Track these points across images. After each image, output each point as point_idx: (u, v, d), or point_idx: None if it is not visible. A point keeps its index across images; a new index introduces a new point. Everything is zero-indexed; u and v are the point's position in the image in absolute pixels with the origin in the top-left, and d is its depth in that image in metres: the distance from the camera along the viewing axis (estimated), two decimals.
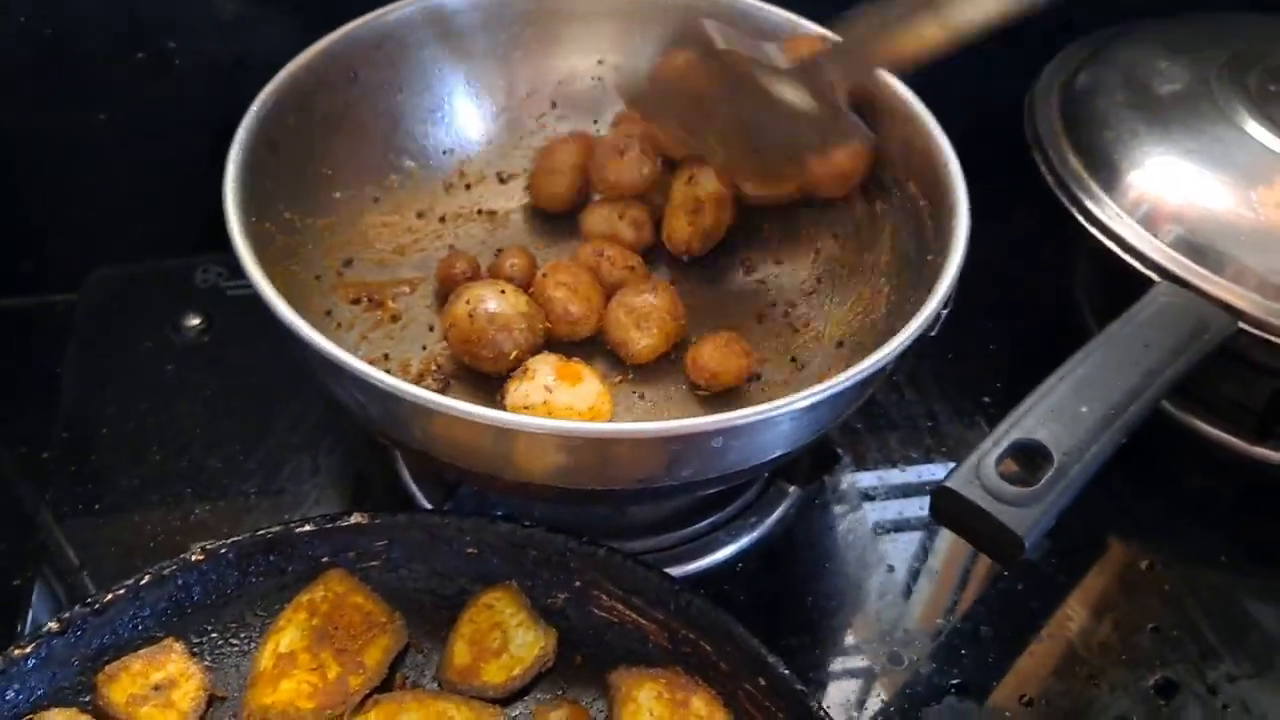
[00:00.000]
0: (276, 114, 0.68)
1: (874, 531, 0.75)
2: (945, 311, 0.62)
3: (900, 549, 0.74)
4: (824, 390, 0.55)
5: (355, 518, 0.61)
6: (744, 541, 0.73)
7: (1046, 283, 0.91)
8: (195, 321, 0.85)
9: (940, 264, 0.64)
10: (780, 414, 0.54)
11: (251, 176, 0.65)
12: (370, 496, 0.75)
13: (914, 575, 0.73)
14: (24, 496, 0.75)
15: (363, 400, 0.56)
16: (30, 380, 0.84)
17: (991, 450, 0.58)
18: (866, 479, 0.78)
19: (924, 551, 0.74)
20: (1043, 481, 0.57)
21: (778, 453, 0.60)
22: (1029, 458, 0.59)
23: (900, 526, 0.76)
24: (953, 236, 0.64)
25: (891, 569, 0.73)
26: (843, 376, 0.56)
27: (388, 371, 0.55)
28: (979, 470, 0.57)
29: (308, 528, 0.61)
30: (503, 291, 0.66)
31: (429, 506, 0.71)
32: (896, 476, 0.79)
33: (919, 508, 0.76)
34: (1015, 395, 0.79)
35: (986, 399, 0.83)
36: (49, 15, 0.81)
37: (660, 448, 0.54)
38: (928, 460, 0.79)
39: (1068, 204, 0.79)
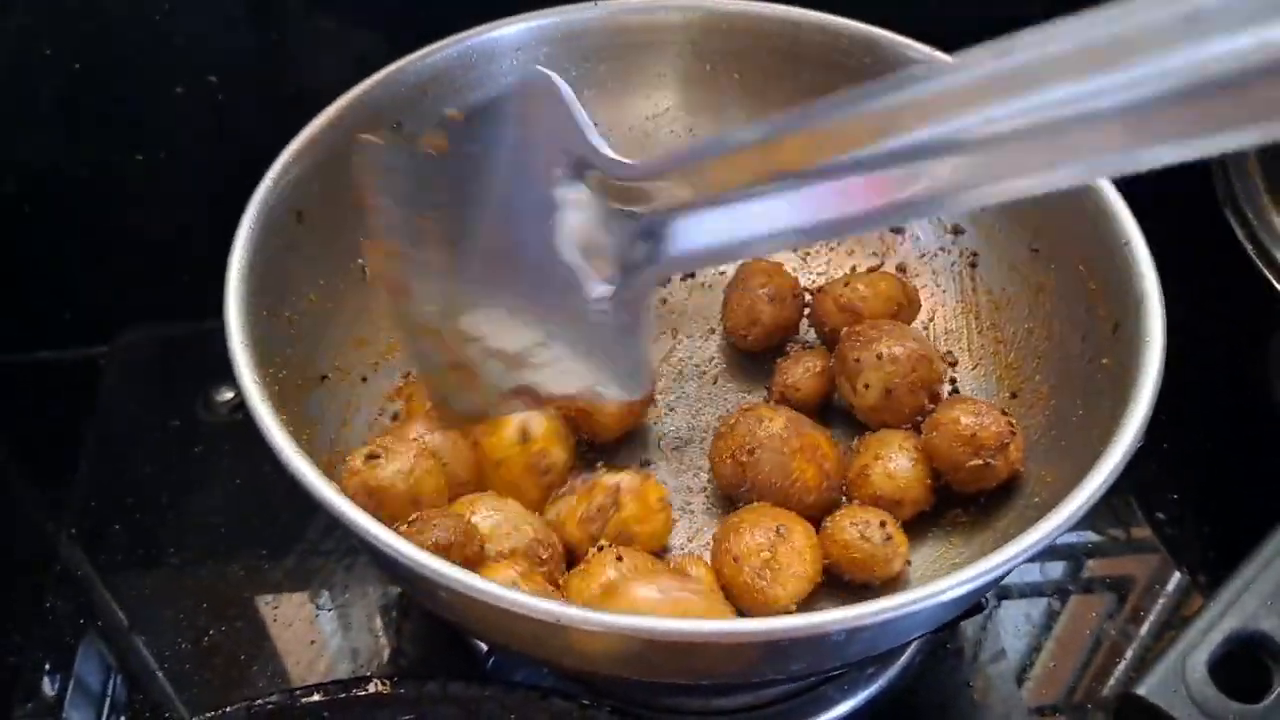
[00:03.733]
0: (300, 181, 0.57)
1: (1019, 686, 0.60)
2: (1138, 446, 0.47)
3: None
4: (987, 572, 0.42)
5: (374, 686, 0.50)
6: (858, 699, 0.59)
7: (1234, 370, 0.76)
8: (229, 396, 0.75)
9: (1124, 381, 0.50)
10: (927, 605, 0.41)
11: (270, 259, 0.55)
12: (408, 626, 0.63)
13: None
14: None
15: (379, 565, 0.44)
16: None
17: (1201, 644, 0.44)
18: (1009, 617, 0.63)
19: None
20: (1275, 695, 0.42)
21: (915, 635, 0.46)
22: (1252, 656, 0.44)
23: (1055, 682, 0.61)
24: (1142, 349, 0.50)
25: None
26: (1012, 551, 0.42)
27: None
28: (1185, 674, 0.43)
29: (316, 698, 0.49)
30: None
31: (484, 648, 0.59)
32: (1049, 621, 0.64)
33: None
34: (1194, 512, 0.68)
35: (1161, 514, 0.68)
36: (78, 47, 0.74)
37: (761, 647, 0.41)
38: (1089, 602, 0.64)
39: (1266, 271, 0.65)
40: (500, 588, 0.40)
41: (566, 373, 0.45)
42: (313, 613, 0.64)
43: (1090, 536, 0.67)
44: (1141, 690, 0.43)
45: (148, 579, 0.66)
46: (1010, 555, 0.42)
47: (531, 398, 0.47)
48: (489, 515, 0.53)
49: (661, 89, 0.70)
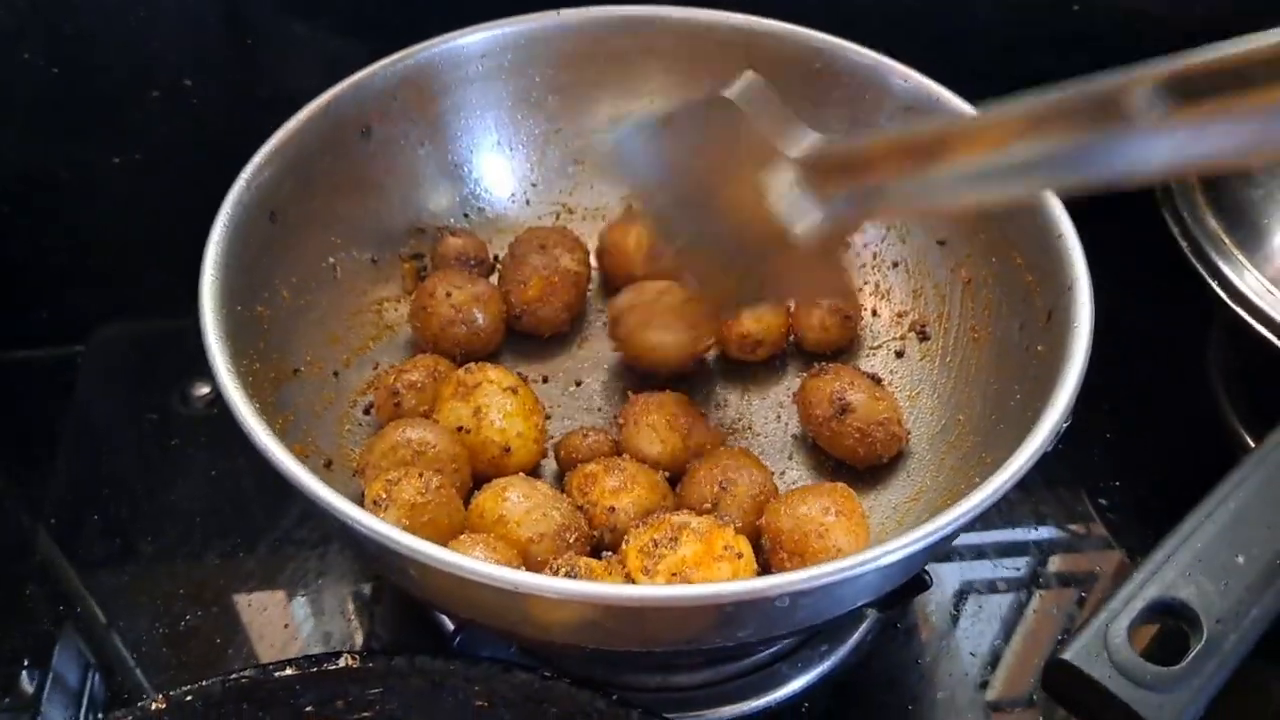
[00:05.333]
0: (273, 182, 0.59)
1: (969, 665, 0.63)
2: (1065, 425, 0.50)
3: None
4: (922, 538, 0.44)
5: (344, 660, 0.52)
6: (811, 675, 0.61)
7: (1173, 362, 0.78)
8: (204, 391, 0.76)
9: (1054, 365, 0.53)
10: (866, 569, 0.43)
11: (243, 257, 0.57)
12: (379, 610, 0.65)
13: None
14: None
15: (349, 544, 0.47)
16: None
17: (1123, 613, 0.47)
18: (961, 601, 0.66)
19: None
20: (1190, 658, 0.45)
21: (860, 603, 0.49)
22: (1171, 623, 0.47)
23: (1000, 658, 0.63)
24: (1070, 334, 0.53)
25: (996, 712, 0.61)
26: (946, 519, 0.45)
27: None
28: (1107, 639, 0.46)
29: (288, 672, 0.52)
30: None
31: (450, 627, 0.61)
32: (995, 601, 0.66)
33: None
34: (1135, 497, 0.70)
35: (1103, 500, 0.71)
36: (55, 51, 0.76)
37: (709, 612, 0.44)
38: (1034, 583, 0.67)
39: (1202, 271, 0.69)
40: (463, 558, 0.43)
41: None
42: (286, 600, 0.66)
43: (1032, 527, 0.70)
44: (1067, 655, 0.46)
45: (124, 570, 0.67)
46: (940, 524, 0.44)
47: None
48: (520, 501, 0.55)
49: (621, 94, 0.72)
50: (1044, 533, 0.70)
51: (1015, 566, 0.68)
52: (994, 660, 0.63)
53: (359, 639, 0.64)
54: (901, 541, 0.44)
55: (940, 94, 0.64)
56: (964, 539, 0.68)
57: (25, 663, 0.63)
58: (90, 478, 0.72)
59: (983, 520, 0.51)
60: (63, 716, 0.61)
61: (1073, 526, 0.70)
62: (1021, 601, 0.66)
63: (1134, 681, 0.44)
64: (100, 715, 0.61)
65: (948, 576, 0.67)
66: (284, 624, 0.65)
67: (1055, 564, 0.68)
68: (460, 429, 0.59)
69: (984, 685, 0.62)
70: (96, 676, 0.63)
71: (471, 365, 0.62)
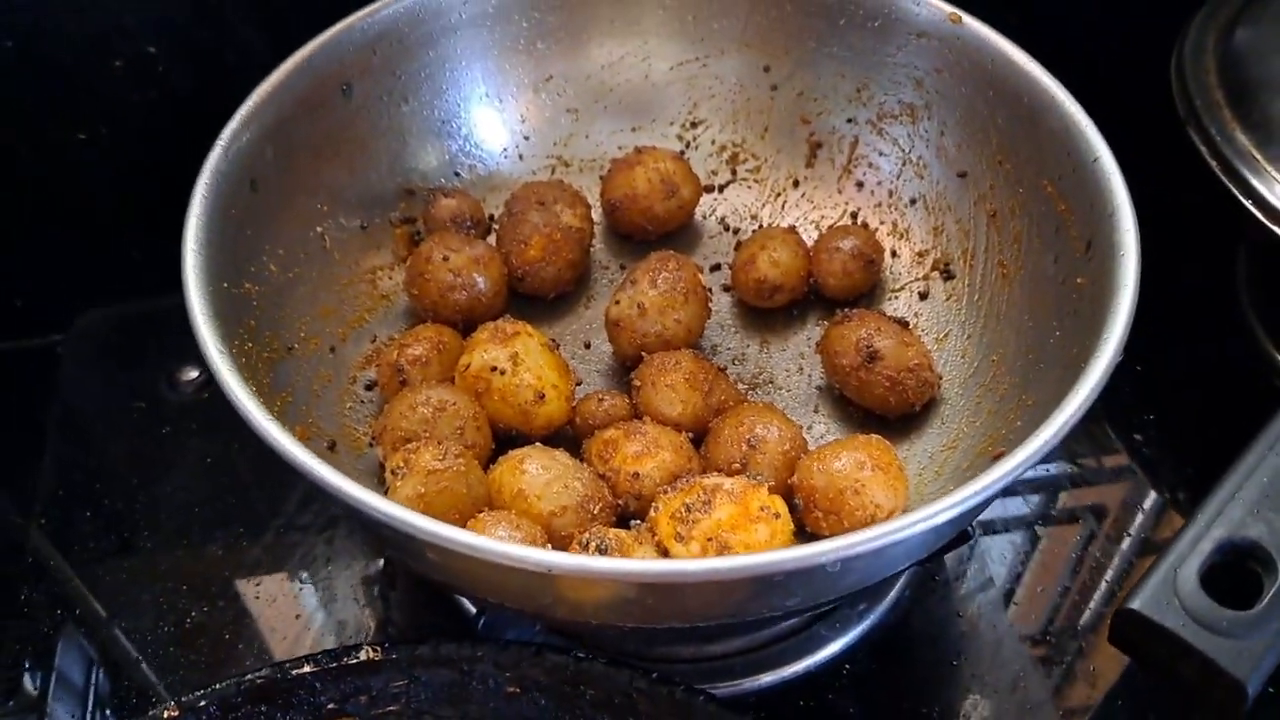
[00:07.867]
0: (252, 148, 0.56)
1: (1007, 611, 0.61)
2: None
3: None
4: (969, 497, 0.41)
5: (365, 653, 0.49)
6: (850, 636, 0.59)
7: (1201, 286, 0.75)
8: (194, 375, 0.73)
9: (1101, 298, 0.50)
10: (921, 528, 0.40)
11: (226, 230, 0.53)
12: (395, 594, 0.62)
13: (1067, 671, 0.58)
14: None
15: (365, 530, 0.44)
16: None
17: (1191, 555, 0.44)
18: (995, 547, 0.63)
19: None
20: (1266, 599, 0.43)
21: (909, 563, 0.46)
22: (1242, 564, 0.44)
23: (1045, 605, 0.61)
24: (1116, 264, 0.50)
25: (1043, 662, 0.59)
26: (999, 472, 0.42)
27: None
28: (1176, 585, 0.43)
29: (306, 669, 0.49)
30: None
31: (472, 611, 0.58)
32: (1034, 546, 0.64)
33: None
34: (1171, 431, 0.68)
35: (1138, 436, 0.68)
36: (9, 23, 0.72)
37: (757, 581, 0.41)
38: (1073, 526, 0.64)
39: (1234, 189, 0.65)
40: (488, 541, 0.40)
41: None
42: (296, 589, 0.63)
43: (1067, 467, 0.67)
44: (1135, 604, 0.43)
45: (123, 565, 0.64)
46: (997, 476, 0.42)
47: None
48: (539, 473, 0.52)
49: (614, 36, 0.68)
50: (1079, 471, 0.67)
51: (1049, 511, 0.66)
52: (1036, 608, 0.61)
53: (374, 626, 0.61)
54: (957, 498, 0.41)
55: (960, 14, 0.60)
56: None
57: (27, 664, 0.61)
58: (80, 472, 0.69)
59: None
60: (70, 715, 0.59)
61: (1105, 468, 0.67)
62: (1058, 546, 0.64)
63: (1209, 628, 0.42)
64: (107, 713, 0.59)
65: (984, 529, 0.64)
66: (294, 615, 0.62)
67: (1089, 507, 0.66)
68: (495, 369, 0.56)
69: (1028, 634, 0.60)
70: (100, 672, 0.61)
71: (508, 317, 0.60)
